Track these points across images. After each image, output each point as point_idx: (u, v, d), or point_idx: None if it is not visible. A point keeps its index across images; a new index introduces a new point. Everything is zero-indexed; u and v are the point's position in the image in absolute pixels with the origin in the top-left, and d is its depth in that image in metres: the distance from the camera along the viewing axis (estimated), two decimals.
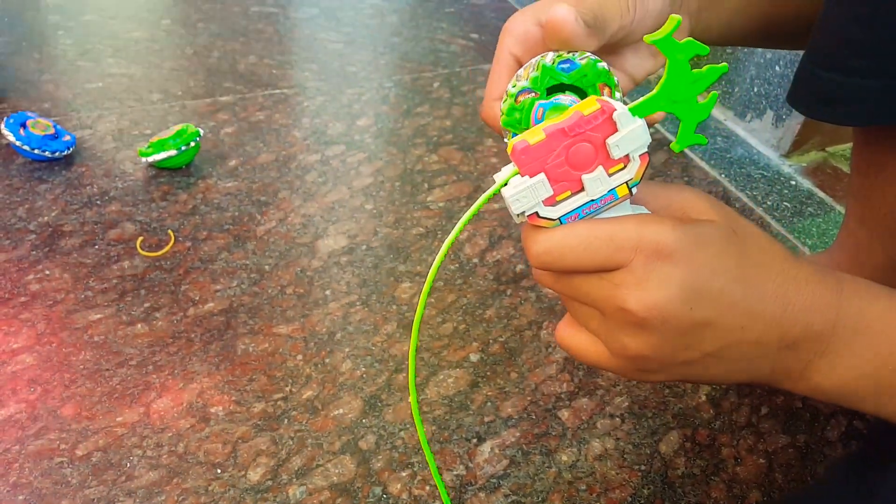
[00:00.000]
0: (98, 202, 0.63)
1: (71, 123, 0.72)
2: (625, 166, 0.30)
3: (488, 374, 0.51)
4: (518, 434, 0.47)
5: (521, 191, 0.29)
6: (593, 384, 0.51)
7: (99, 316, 0.53)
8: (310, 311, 0.55)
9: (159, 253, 0.58)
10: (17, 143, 0.64)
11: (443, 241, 0.62)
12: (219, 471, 0.43)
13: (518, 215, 0.30)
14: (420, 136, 0.78)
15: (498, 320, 0.56)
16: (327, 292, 0.58)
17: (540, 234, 0.30)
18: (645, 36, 0.28)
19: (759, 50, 0.85)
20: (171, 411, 0.47)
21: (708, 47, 0.29)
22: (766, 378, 0.32)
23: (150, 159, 0.65)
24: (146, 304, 0.54)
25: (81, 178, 0.65)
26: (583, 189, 0.30)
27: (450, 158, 0.74)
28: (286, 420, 0.47)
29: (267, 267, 0.59)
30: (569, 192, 0.30)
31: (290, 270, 0.59)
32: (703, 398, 0.50)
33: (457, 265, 0.60)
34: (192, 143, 0.66)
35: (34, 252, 0.57)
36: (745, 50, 0.83)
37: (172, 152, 0.66)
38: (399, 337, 0.53)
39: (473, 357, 0.53)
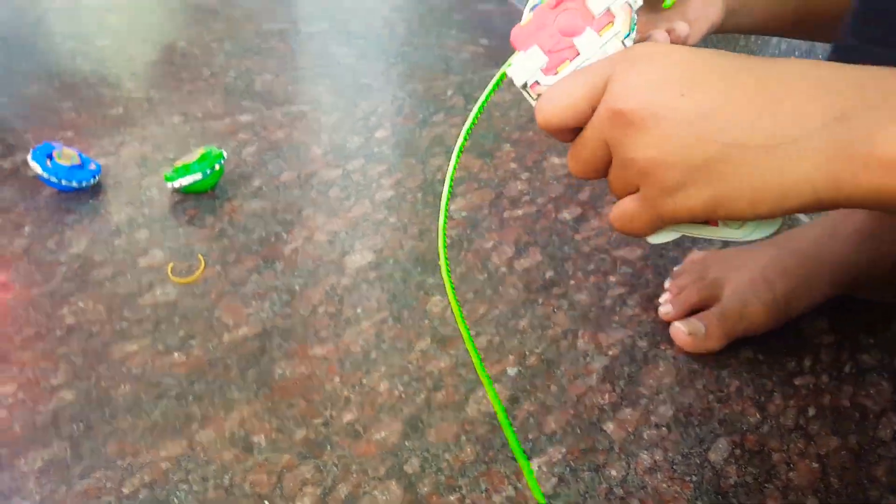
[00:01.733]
0: (126, 230, 0.63)
1: (94, 151, 0.72)
2: (612, 23, 0.32)
3: (528, 388, 0.51)
4: (564, 450, 0.47)
5: (518, 63, 0.33)
6: (636, 393, 0.50)
7: (135, 347, 0.53)
8: (342, 331, 0.55)
9: (191, 279, 0.58)
10: (45, 175, 0.65)
11: (469, 252, 0.62)
12: (266, 503, 0.43)
13: (523, 89, 0.34)
14: (438, 145, 0.77)
15: (532, 331, 0.55)
16: (358, 310, 0.57)
17: (539, 99, 0.33)
18: None
19: (774, 40, 0.84)
20: (214, 442, 0.47)
21: None
22: (820, 177, 0.26)
23: (176, 184, 0.65)
24: (181, 332, 0.54)
25: (108, 207, 0.66)
26: (579, 54, 0.33)
27: (469, 166, 0.74)
28: (328, 446, 0.46)
29: (297, 287, 0.59)
30: (567, 62, 0.33)
31: (319, 289, 0.59)
32: (749, 402, 0.49)
33: (485, 275, 0.60)
34: (217, 166, 0.66)
35: (66, 284, 0.58)
36: (759, 41, 0.82)
37: (198, 176, 0.65)
38: (434, 353, 0.53)
39: (511, 371, 0.52)
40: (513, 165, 0.75)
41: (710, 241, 0.64)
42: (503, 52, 0.95)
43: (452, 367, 0.52)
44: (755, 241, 0.34)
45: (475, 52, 0.96)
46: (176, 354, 0.53)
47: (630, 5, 0.32)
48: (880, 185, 0.24)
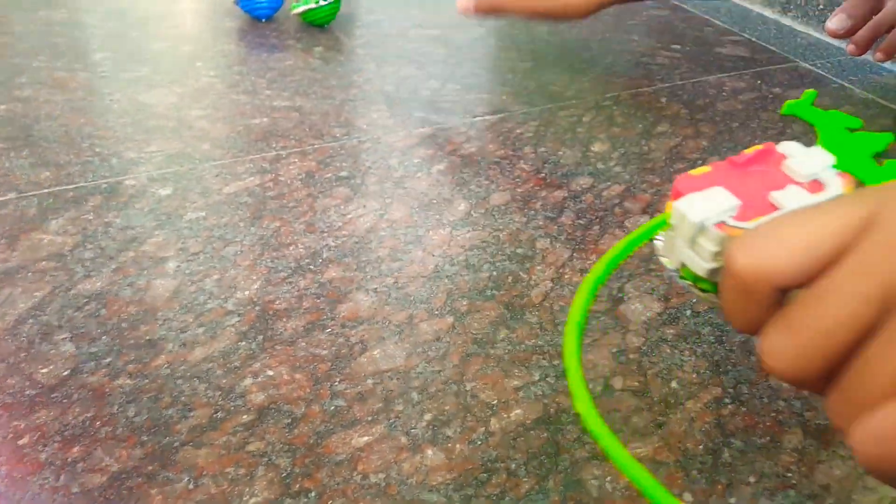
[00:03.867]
0: (311, 267, 0.47)
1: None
2: (823, 190, 0.24)
3: None
4: None
5: (693, 202, 0.24)
6: None
7: (366, 439, 0.35)
8: (666, 417, 0.37)
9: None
10: None
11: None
12: None
13: (699, 231, 0.23)
14: (678, 159, 0.60)
15: None
16: (673, 384, 0.39)
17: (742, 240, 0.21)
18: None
19: None
20: None
21: (860, 119, 0.27)
22: None
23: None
24: (426, 416, 0.36)
25: (279, 236, 0.49)
26: (777, 209, 0.24)
27: None
28: None
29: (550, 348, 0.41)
30: (759, 217, 0.23)
31: (603, 352, 0.41)
32: None
33: None
34: None
35: (243, 343, 0.40)
36: None
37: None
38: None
39: None
40: None
41: None
42: (702, 57, 0.79)
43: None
44: None
45: (672, 56, 0.79)
46: (429, 451, 0.35)
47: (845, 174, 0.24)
48: None
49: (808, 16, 0.89)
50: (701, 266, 0.23)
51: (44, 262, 0.44)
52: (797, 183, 0.24)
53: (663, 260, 0.25)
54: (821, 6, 0.87)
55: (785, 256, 0.20)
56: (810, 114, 0.27)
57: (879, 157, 0.25)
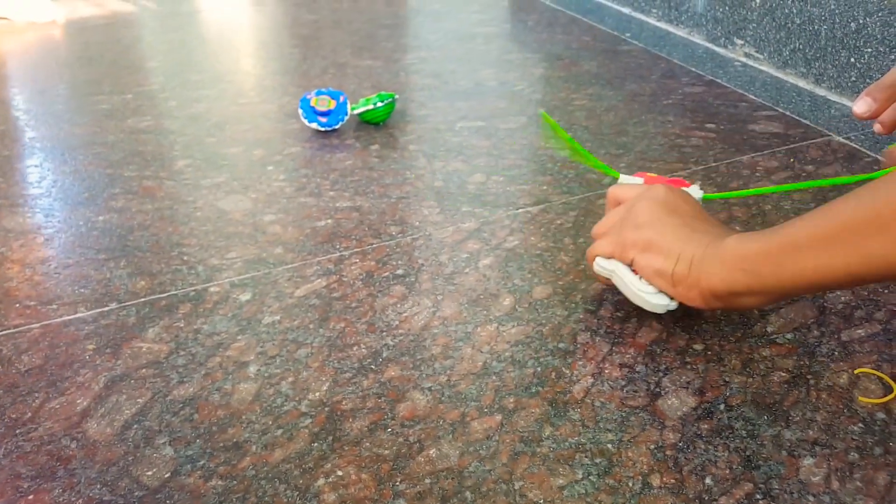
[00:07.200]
0: (373, 367, 0.52)
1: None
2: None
3: None
4: None
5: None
6: None
7: None
8: None
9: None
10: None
11: (816, 395, 0.47)
12: None
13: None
14: None
15: None
16: (708, 480, 0.42)
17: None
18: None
19: None
20: None
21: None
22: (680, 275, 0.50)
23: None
24: None
25: (344, 336, 0.55)
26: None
27: None
28: None
29: (610, 446, 0.44)
30: None
31: (641, 449, 0.44)
32: None
33: (860, 426, 0.44)
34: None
35: (316, 444, 0.46)
36: None
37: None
38: None
39: None
40: None
41: None
42: (737, 136, 0.83)
43: None
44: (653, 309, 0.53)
45: (706, 137, 0.83)
46: None
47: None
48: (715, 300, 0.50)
49: (842, 87, 0.92)
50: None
51: (143, 370, 0.51)
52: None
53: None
54: (853, 78, 0.90)
55: (617, 192, 0.58)
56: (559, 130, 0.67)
57: None
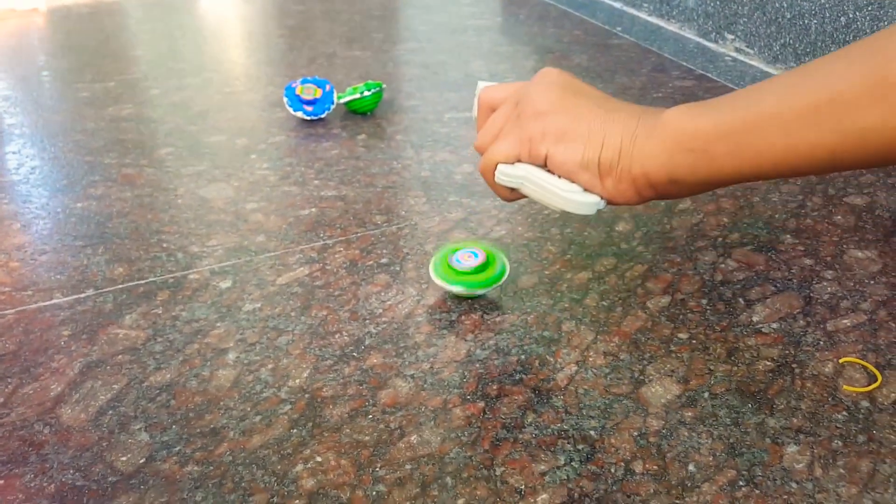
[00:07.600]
0: (355, 354, 0.51)
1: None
2: None
3: None
4: None
5: None
6: None
7: None
8: (683, 500, 0.39)
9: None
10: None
11: (800, 384, 0.46)
12: None
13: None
14: (700, 237, 0.63)
15: None
16: (690, 467, 0.42)
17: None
18: None
19: None
20: None
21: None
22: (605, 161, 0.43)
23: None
24: (459, 501, 0.40)
25: (326, 324, 0.54)
26: None
27: (752, 263, 0.59)
28: None
29: (593, 433, 0.44)
30: None
31: (624, 436, 0.43)
32: None
33: (844, 413, 0.44)
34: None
35: (295, 431, 0.45)
36: None
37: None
38: None
39: None
40: (806, 261, 0.59)
41: None
42: None
43: None
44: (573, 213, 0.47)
45: None
46: None
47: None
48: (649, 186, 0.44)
49: None
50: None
51: (120, 356, 0.50)
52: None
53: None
54: None
55: (490, 93, 0.50)
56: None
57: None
